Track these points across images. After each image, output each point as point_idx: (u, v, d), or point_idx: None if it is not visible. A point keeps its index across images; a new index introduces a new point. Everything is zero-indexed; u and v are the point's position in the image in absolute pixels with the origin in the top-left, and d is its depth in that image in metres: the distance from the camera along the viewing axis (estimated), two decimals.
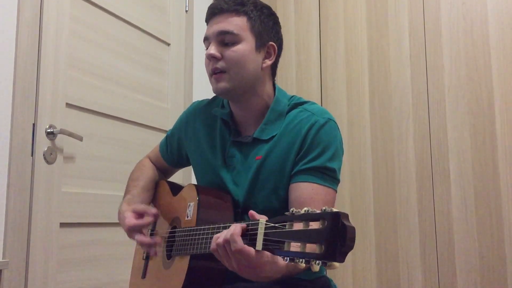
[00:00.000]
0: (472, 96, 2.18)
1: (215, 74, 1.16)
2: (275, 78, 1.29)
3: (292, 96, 1.27)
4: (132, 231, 1.21)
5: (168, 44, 2.35)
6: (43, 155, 1.66)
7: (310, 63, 2.58)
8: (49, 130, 1.68)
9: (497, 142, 2.11)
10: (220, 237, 0.90)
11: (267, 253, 0.85)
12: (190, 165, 1.39)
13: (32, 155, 1.62)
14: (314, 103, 1.24)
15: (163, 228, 1.30)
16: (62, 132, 1.70)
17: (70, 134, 1.73)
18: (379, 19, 2.43)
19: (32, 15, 1.65)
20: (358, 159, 2.40)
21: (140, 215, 1.22)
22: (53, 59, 1.72)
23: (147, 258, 1.33)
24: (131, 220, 1.20)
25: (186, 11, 2.47)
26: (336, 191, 1.16)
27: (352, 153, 2.41)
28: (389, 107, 2.36)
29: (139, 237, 1.20)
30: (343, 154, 1.22)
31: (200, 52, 2.48)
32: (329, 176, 1.14)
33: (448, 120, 2.22)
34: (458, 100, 2.21)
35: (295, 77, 2.61)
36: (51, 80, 1.70)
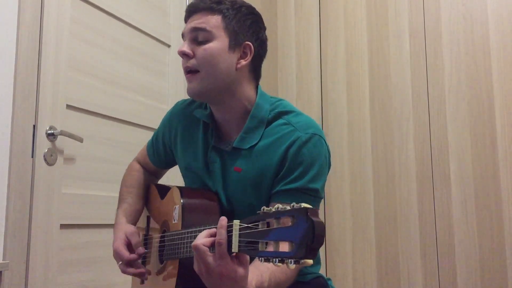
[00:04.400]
0: (473, 97, 2.18)
1: (187, 73, 1.15)
2: (259, 81, 1.23)
3: (278, 101, 1.21)
4: (117, 257, 1.21)
5: (169, 46, 2.35)
6: (44, 156, 1.65)
7: (310, 64, 2.59)
8: (49, 132, 1.68)
9: (497, 143, 2.11)
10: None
11: (240, 269, 0.85)
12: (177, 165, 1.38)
13: (32, 157, 1.62)
14: (299, 114, 1.18)
15: (155, 232, 1.31)
16: (62, 133, 1.70)
17: (71, 136, 1.73)
18: (379, 20, 2.43)
19: (33, 16, 1.65)
20: (359, 160, 2.40)
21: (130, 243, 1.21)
22: (54, 60, 1.72)
23: (143, 264, 1.33)
24: (124, 252, 1.19)
25: None
26: (318, 209, 1.12)
27: (353, 154, 2.41)
28: (389, 108, 2.36)
29: (126, 270, 1.20)
30: (329, 169, 1.17)
31: None
32: (310, 196, 1.11)
33: (448, 121, 2.22)
34: (458, 101, 2.21)
35: (295, 78, 2.61)
36: (52, 81, 1.70)
